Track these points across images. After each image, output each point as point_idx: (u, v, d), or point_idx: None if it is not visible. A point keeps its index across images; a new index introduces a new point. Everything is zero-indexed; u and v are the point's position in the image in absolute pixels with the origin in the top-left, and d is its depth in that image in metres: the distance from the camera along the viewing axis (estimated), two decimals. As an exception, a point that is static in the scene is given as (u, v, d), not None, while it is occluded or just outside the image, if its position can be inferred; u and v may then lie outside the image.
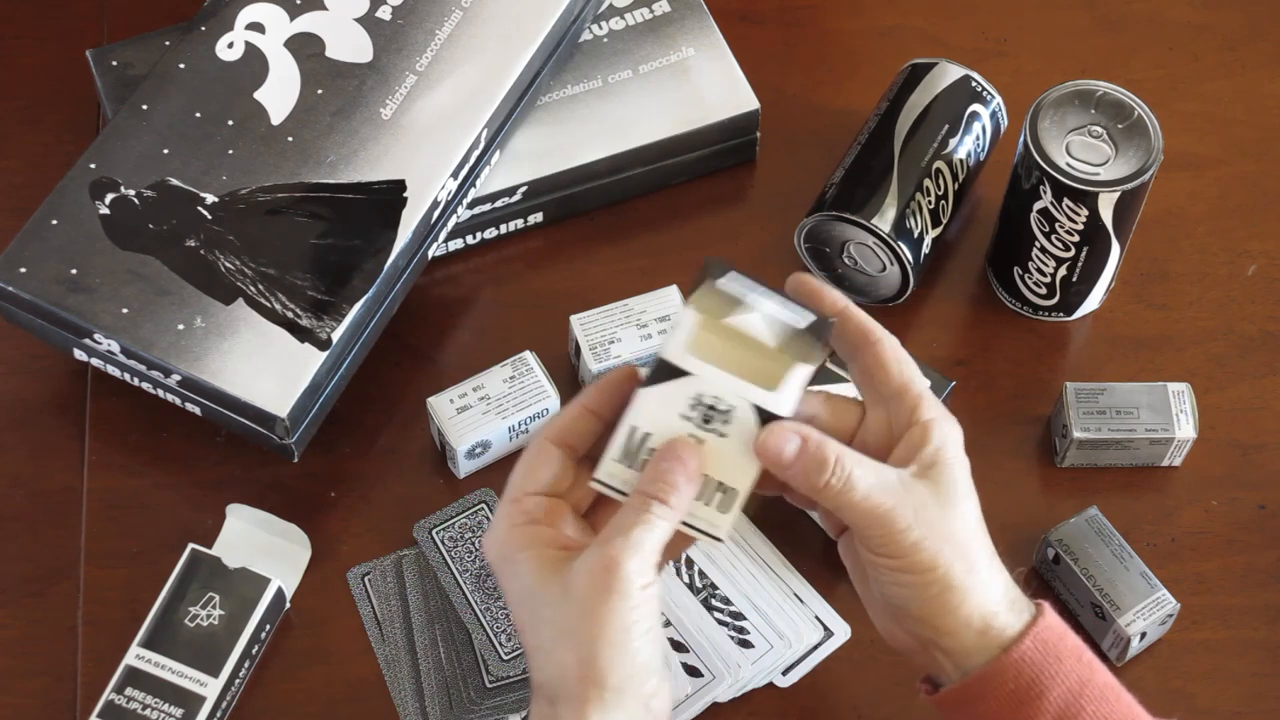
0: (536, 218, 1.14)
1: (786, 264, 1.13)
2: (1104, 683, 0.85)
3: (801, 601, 1.02)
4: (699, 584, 1.02)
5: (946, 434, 0.85)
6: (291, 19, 1.10)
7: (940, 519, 0.83)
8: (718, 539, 0.83)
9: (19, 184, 1.15)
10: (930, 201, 1.10)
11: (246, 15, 1.10)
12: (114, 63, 1.14)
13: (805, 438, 0.82)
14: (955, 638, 0.84)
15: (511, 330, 1.10)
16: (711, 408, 0.82)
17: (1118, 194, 1.04)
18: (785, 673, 1.00)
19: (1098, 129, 1.05)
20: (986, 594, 0.84)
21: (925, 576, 0.83)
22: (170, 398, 1.04)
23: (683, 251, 1.14)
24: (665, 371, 0.82)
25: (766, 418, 0.82)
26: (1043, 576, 1.04)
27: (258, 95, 1.07)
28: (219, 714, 0.97)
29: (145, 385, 1.04)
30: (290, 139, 1.06)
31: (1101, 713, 0.83)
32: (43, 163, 1.15)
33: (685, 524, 0.82)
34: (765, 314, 0.84)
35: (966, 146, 1.12)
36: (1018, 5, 1.25)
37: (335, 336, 1.01)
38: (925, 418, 0.85)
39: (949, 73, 1.13)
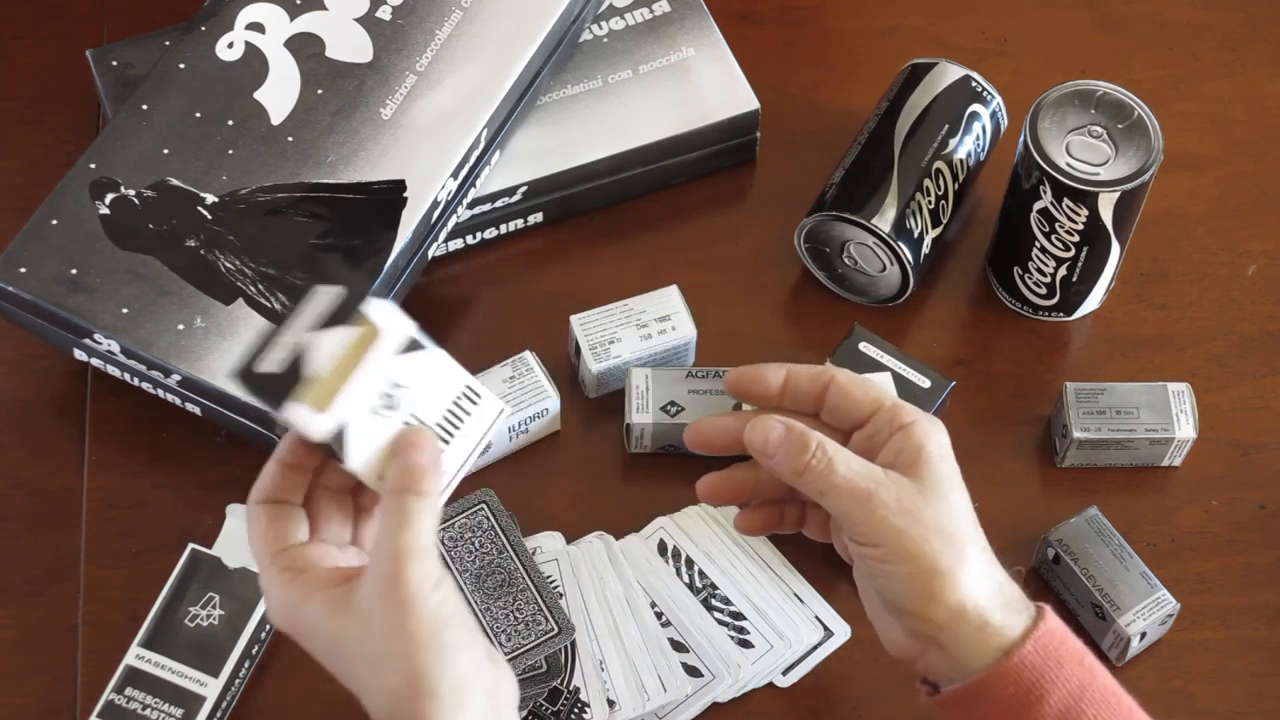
0: (536, 218, 1.14)
1: (786, 264, 1.13)
2: (1104, 686, 0.85)
3: (801, 601, 1.02)
4: (699, 584, 1.02)
5: (927, 433, 0.86)
6: (291, 19, 1.10)
7: (924, 508, 0.84)
8: (501, 409, 0.84)
9: (19, 184, 1.15)
10: (930, 201, 1.10)
11: (246, 15, 1.10)
12: (114, 63, 1.14)
13: (789, 425, 0.86)
14: (952, 633, 0.84)
15: (511, 330, 1.10)
16: (384, 397, 0.82)
17: (1118, 194, 1.04)
18: (785, 673, 1.00)
19: (1098, 129, 1.05)
20: (978, 587, 0.84)
21: (911, 565, 0.84)
22: (170, 398, 1.04)
23: (683, 251, 1.14)
24: (336, 445, 0.81)
25: (408, 345, 0.82)
26: (1043, 576, 1.04)
27: (258, 95, 1.07)
28: (219, 714, 0.97)
29: (145, 385, 1.04)
30: (290, 139, 1.06)
31: (1102, 716, 0.83)
32: (43, 163, 1.15)
33: (475, 444, 0.83)
34: (308, 331, 0.82)
35: (966, 146, 1.12)
36: (1018, 5, 1.25)
37: (335, 336, 1.01)
38: (904, 422, 0.86)
39: (949, 73, 1.13)
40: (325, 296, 0.82)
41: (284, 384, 0.80)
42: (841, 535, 0.90)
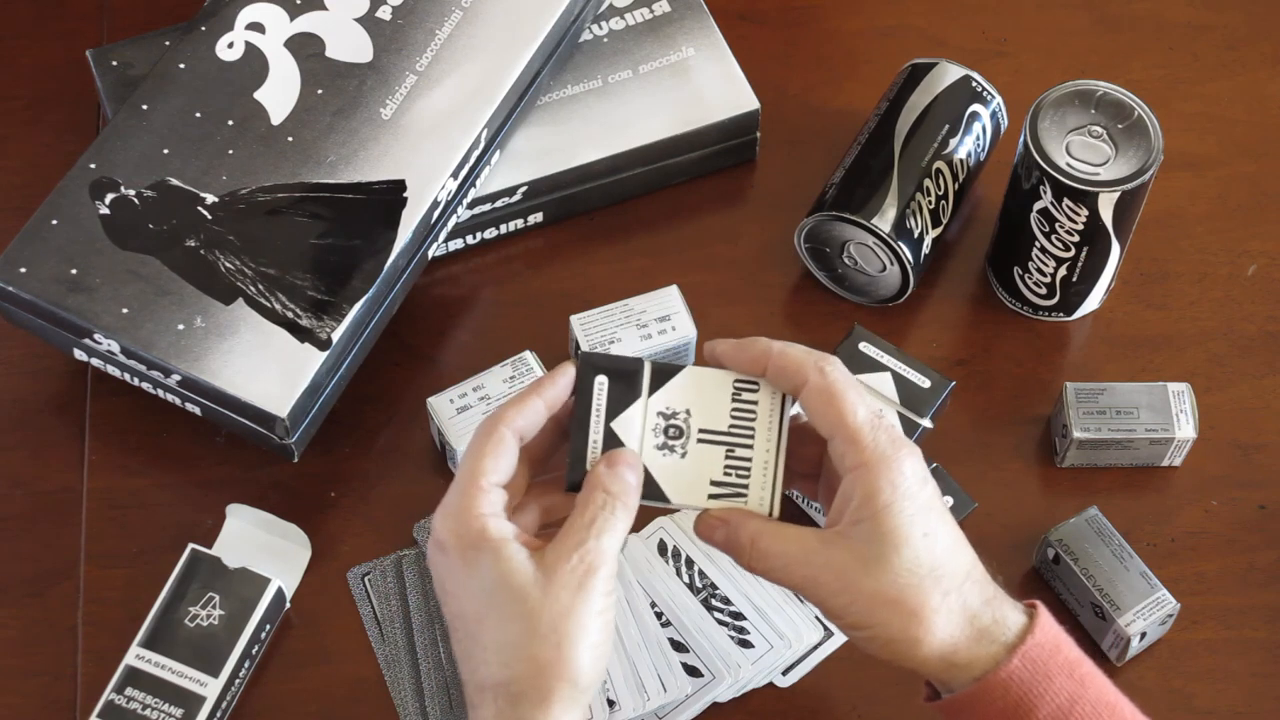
0: (536, 218, 1.14)
1: (786, 264, 1.13)
2: (1097, 699, 0.84)
3: (801, 601, 1.02)
4: (699, 584, 1.02)
5: (878, 480, 0.82)
6: (291, 19, 1.10)
7: (866, 579, 0.83)
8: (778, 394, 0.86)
9: (19, 184, 1.16)
10: (930, 201, 1.10)
11: (246, 15, 1.10)
12: (114, 63, 1.14)
13: (726, 521, 0.85)
14: (925, 670, 0.85)
15: (511, 330, 1.10)
16: (661, 434, 0.85)
17: (1118, 194, 1.04)
18: (785, 673, 1.00)
19: (1098, 129, 1.05)
20: (938, 638, 0.83)
21: (865, 633, 0.84)
22: (170, 398, 1.04)
23: (683, 251, 1.14)
24: (654, 494, 0.85)
25: (652, 378, 0.86)
26: (1043, 576, 1.04)
27: (258, 95, 1.08)
28: (219, 714, 0.97)
29: (145, 385, 1.04)
30: (290, 139, 1.06)
31: None
32: (43, 163, 1.15)
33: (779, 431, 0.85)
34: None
35: (966, 146, 1.12)
36: (1018, 5, 1.25)
37: (335, 336, 1.01)
38: (852, 466, 0.83)
39: (949, 73, 1.13)
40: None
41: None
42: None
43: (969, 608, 0.84)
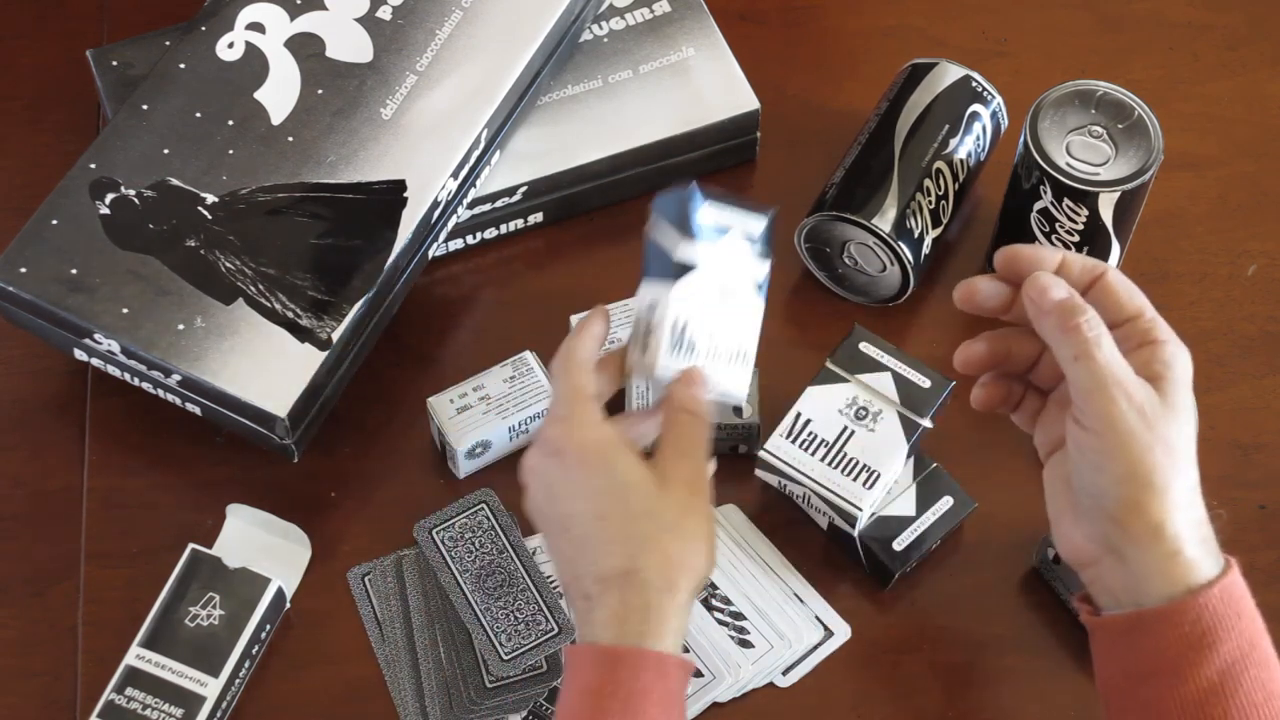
0: (536, 218, 1.14)
1: (786, 264, 1.13)
2: (1267, 649, 0.84)
3: (801, 601, 1.02)
4: (699, 584, 1.02)
5: (1177, 356, 0.86)
6: (291, 19, 1.10)
7: (1159, 419, 0.84)
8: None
9: (19, 184, 1.16)
10: (930, 201, 1.10)
11: (246, 15, 1.10)
12: (114, 63, 1.14)
13: (1071, 290, 0.87)
14: (1141, 550, 0.83)
15: (511, 330, 1.10)
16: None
17: (1118, 194, 1.04)
18: (785, 673, 1.00)
19: (1098, 129, 1.05)
20: (1182, 513, 0.83)
21: (1128, 467, 0.83)
22: (170, 398, 1.04)
23: (683, 251, 1.14)
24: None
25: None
26: (1043, 576, 1.03)
27: (258, 95, 1.08)
28: (219, 714, 0.97)
29: (145, 385, 1.04)
30: (290, 139, 1.06)
31: (1262, 678, 0.82)
32: (43, 163, 1.15)
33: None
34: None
35: (967, 146, 1.12)
36: (1018, 5, 1.25)
37: (335, 336, 1.01)
38: (1158, 338, 0.86)
39: (949, 73, 1.13)
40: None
41: None
42: (1048, 428, 0.90)
43: (1201, 509, 0.85)
